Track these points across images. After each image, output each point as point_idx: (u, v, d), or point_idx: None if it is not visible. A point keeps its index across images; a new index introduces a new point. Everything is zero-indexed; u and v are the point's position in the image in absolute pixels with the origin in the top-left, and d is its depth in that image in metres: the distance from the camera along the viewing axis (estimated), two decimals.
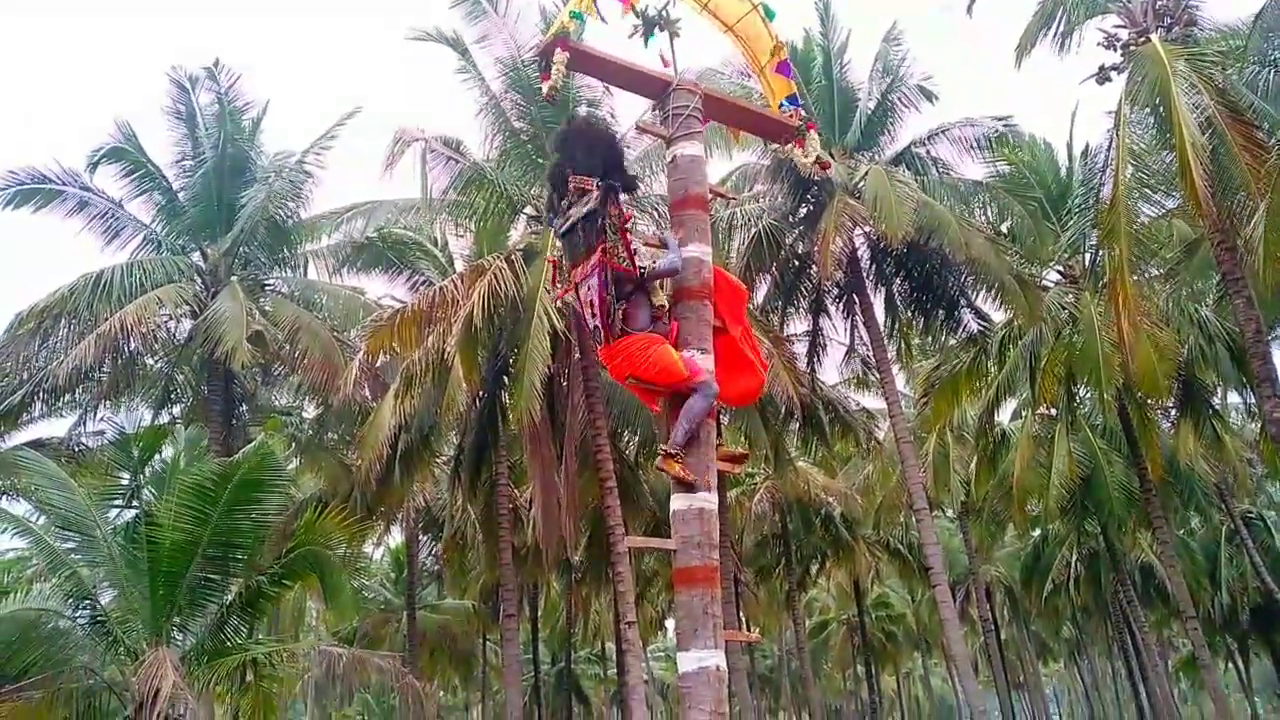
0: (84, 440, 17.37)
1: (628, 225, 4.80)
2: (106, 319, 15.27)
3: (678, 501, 4.58)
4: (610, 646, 35.70)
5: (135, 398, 18.58)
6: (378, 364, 16.76)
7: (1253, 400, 19.39)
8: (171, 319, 17.44)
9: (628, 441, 20.29)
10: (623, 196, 4.95)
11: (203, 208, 17.62)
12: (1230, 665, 38.58)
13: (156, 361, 18.63)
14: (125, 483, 11.77)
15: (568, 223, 4.87)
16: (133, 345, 16.69)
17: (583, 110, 4.86)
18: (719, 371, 4.85)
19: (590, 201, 4.73)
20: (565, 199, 4.93)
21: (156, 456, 11.96)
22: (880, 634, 42.22)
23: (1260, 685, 47.18)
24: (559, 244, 5.04)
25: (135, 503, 11.43)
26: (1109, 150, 14.01)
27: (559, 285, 5.12)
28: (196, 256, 17.98)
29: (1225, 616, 29.00)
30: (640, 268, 4.74)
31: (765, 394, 16.26)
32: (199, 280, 17.40)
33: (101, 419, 17.61)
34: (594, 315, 4.70)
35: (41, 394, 16.35)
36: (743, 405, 4.93)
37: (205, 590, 11.02)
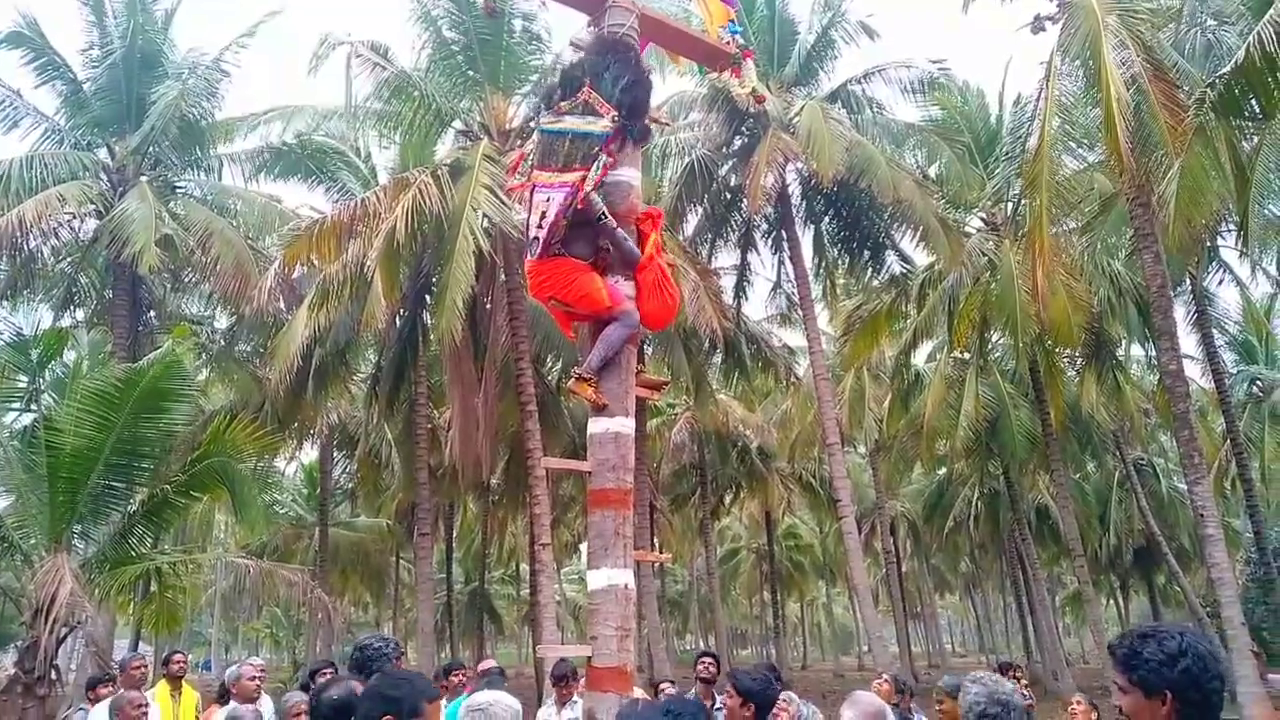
0: None
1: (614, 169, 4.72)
2: (3, 214, 14.47)
3: (595, 425, 4.59)
4: (525, 568, 36.14)
5: (35, 298, 17.77)
6: (294, 275, 16.30)
7: (1154, 352, 20.23)
8: (75, 218, 16.62)
9: (550, 366, 20.26)
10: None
11: (110, 102, 16.69)
12: (1111, 601, 41.01)
13: (58, 261, 17.80)
14: (23, 386, 11.29)
15: (560, 124, 4.66)
16: (32, 243, 15.94)
17: (619, 29, 4.53)
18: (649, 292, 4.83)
19: (597, 125, 4.57)
20: (567, 100, 4.72)
21: (57, 360, 11.49)
22: (788, 563, 43.63)
23: (1136, 620, 50.29)
24: (539, 135, 4.82)
25: (34, 407, 11.00)
26: (1038, 101, 14.20)
27: (520, 175, 4.97)
28: (103, 153, 17.09)
29: (1111, 556, 30.67)
30: (601, 214, 4.64)
31: (690, 326, 16.36)
32: (105, 178, 16.56)
33: None
34: (540, 226, 4.59)
35: None
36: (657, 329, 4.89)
37: (108, 498, 10.70)
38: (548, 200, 4.54)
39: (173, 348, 10.79)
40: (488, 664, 8.73)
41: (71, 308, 18.21)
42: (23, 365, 11.29)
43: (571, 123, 4.64)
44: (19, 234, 14.67)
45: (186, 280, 18.55)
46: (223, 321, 20.24)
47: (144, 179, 16.27)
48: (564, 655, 6.72)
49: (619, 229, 4.73)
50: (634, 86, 4.70)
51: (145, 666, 7.56)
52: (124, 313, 16.49)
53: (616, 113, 4.59)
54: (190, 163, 17.94)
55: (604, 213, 4.65)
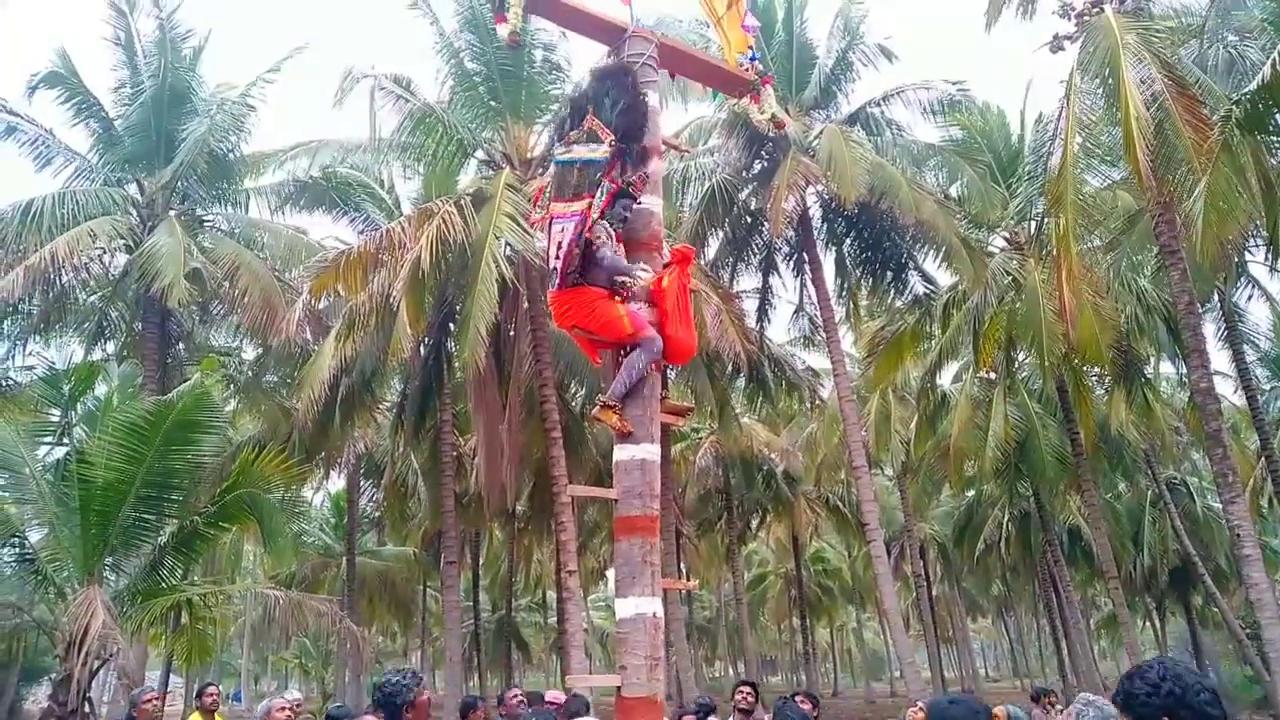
0: (12, 375, 16.86)
1: (620, 193, 4.77)
2: (36, 250, 14.74)
3: (621, 452, 4.59)
4: (551, 595, 36.04)
5: (67, 332, 18.05)
6: (320, 306, 16.48)
7: (1184, 370, 19.94)
8: (105, 253, 16.89)
9: (574, 393, 20.29)
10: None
11: (140, 138, 17.01)
12: (1147, 624, 40.22)
13: (89, 296, 18.08)
14: (56, 419, 11.45)
15: (569, 155, 4.76)
16: (64, 278, 16.18)
17: (638, 58, 4.64)
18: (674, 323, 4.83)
19: (599, 152, 4.64)
20: (576, 130, 4.80)
21: (89, 393, 11.65)
22: (816, 588, 43.19)
23: (1174, 643, 49.30)
24: (553, 168, 4.94)
25: (66, 440, 11.13)
26: (1059, 119, 14.14)
27: (540, 209, 5.03)
28: (133, 188, 17.40)
29: (1145, 578, 30.10)
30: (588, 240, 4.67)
31: (713, 349, 16.35)
32: (135, 213, 16.84)
33: (31, 353, 17.10)
34: (557, 257, 4.63)
35: None
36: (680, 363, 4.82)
37: (139, 530, 10.78)
38: (562, 231, 4.61)
39: (201, 380, 10.94)
40: (555, 695, 8.41)
41: (102, 341, 18.47)
42: (55, 399, 11.46)
43: (579, 151, 4.72)
44: (51, 269, 14.91)
45: (215, 312, 18.77)
46: (250, 353, 20.45)
47: (173, 213, 16.54)
48: (594, 685, 6.68)
49: (607, 256, 4.74)
50: (628, 110, 4.75)
51: (156, 699, 7.55)
52: (153, 345, 16.70)
53: (614, 136, 4.65)
54: (218, 196, 18.21)
55: (589, 239, 4.68)
